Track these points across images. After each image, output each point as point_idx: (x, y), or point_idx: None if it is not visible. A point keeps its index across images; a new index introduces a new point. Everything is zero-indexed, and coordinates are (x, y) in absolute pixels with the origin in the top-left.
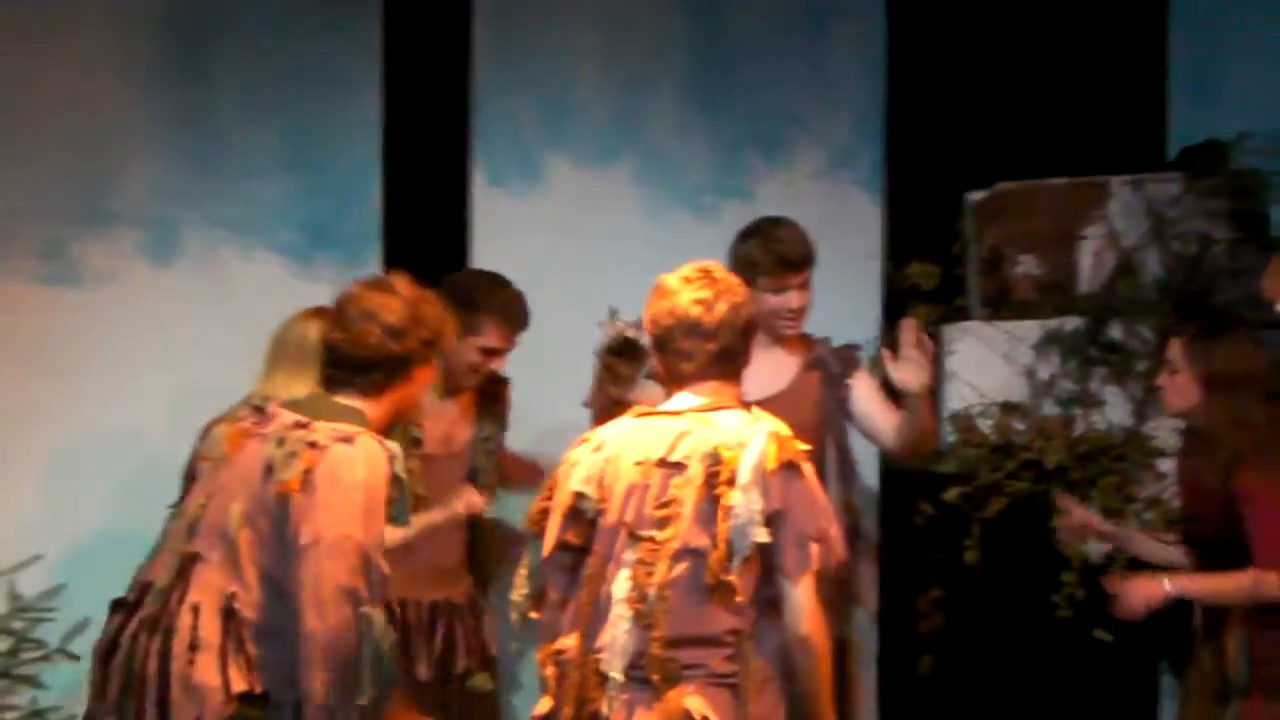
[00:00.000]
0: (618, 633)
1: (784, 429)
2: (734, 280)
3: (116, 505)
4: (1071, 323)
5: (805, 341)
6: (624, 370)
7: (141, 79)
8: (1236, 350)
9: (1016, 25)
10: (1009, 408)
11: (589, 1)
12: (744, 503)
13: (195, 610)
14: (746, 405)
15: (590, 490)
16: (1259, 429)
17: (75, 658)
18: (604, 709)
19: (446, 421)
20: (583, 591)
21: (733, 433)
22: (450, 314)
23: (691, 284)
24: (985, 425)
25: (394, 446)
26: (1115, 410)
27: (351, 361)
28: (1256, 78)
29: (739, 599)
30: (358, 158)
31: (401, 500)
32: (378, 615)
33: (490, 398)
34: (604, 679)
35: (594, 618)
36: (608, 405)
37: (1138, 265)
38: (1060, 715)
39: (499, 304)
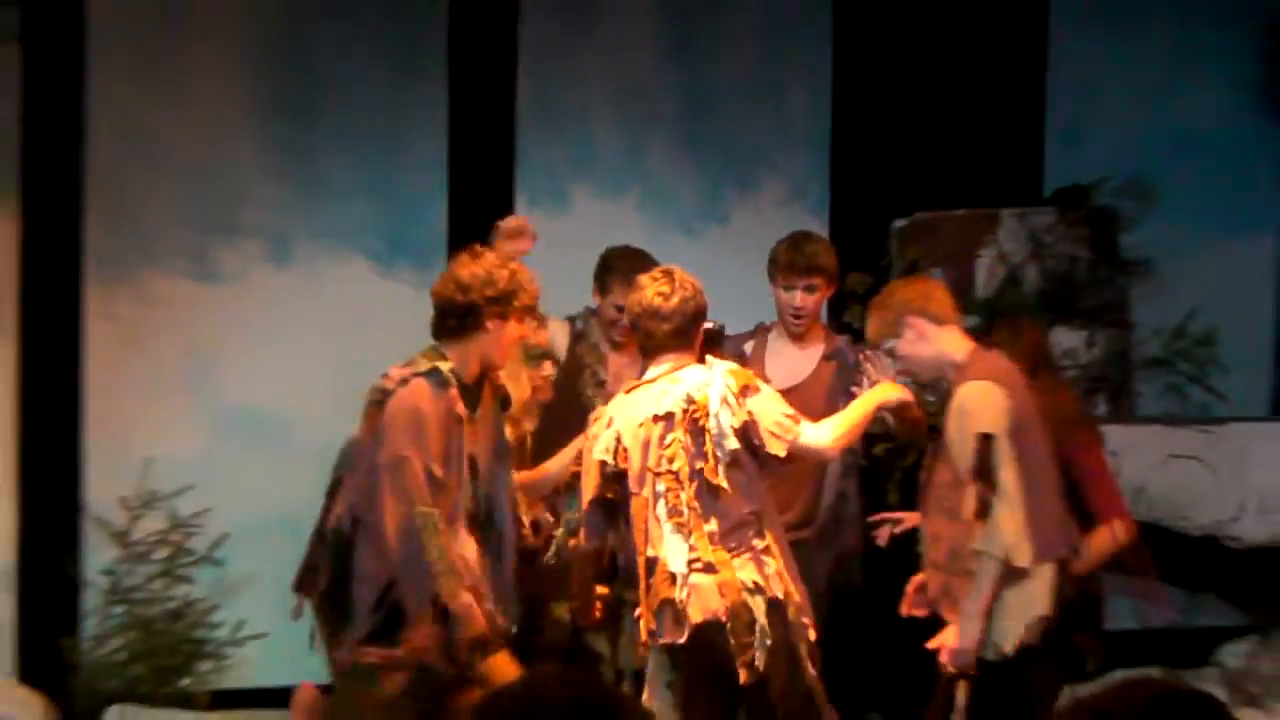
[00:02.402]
0: (671, 542)
1: (736, 366)
2: (689, 279)
3: (247, 450)
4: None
5: (828, 338)
6: (713, 352)
7: (255, 120)
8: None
9: (931, 94)
10: (922, 384)
11: (606, 66)
12: (717, 423)
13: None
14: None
15: (609, 457)
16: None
17: (218, 563)
18: (677, 595)
19: (619, 367)
20: (635, 523)
21: (698, 380)
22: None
23: (656, 281)
24: None
25: (445, 377)
26: None
27: (436, 309)
28: (1117, 128)
29: (732, 493)
30: (428, 185)
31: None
32: (432, 515)
33: None
34: (673, 577)
35: (650, 538)
36: None
37: (1021, 278)
38: None
39: (625, 265)
